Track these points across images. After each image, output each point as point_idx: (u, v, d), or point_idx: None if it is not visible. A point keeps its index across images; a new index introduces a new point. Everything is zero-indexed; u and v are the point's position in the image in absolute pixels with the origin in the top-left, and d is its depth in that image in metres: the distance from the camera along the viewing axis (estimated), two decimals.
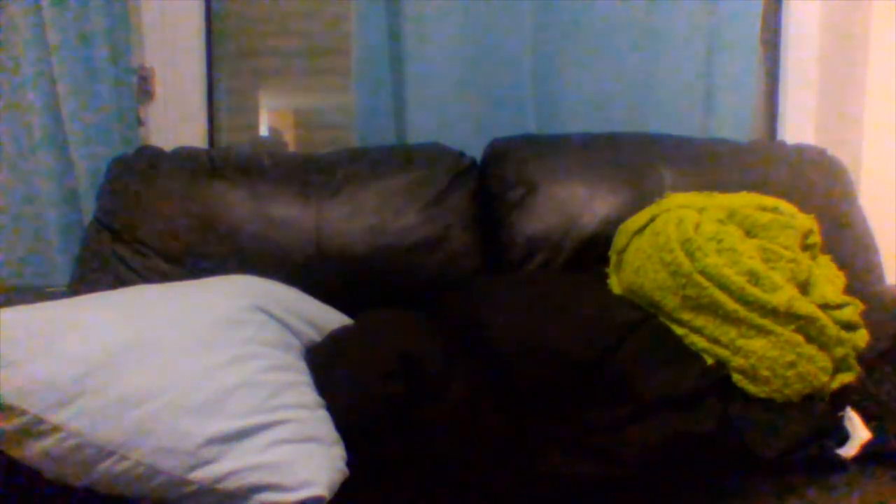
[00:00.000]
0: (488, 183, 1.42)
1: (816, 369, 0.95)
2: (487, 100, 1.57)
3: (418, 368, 0.92)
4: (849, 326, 1.00)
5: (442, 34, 1.53)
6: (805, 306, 0.96)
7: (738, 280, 0.97)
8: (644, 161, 1.38)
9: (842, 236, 1.37)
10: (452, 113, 1.56)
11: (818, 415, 0.94)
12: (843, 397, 0.98)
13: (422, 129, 1.56)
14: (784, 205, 1.13)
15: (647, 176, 1.36)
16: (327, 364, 0.96)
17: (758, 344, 0.95)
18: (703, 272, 0.99)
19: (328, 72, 1.75)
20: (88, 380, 0.75)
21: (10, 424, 0.72)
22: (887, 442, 0.93)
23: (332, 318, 1.12)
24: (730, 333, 0.97)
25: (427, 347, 0.97)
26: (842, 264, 1.14)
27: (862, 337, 1.01)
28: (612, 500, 0.85)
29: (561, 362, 0.93)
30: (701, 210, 1.10)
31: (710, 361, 0.97)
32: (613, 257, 1.20)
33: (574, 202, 1.34)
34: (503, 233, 1.37)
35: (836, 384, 0.98)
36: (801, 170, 1.42)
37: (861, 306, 1.03)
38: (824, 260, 1.14)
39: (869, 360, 1.02)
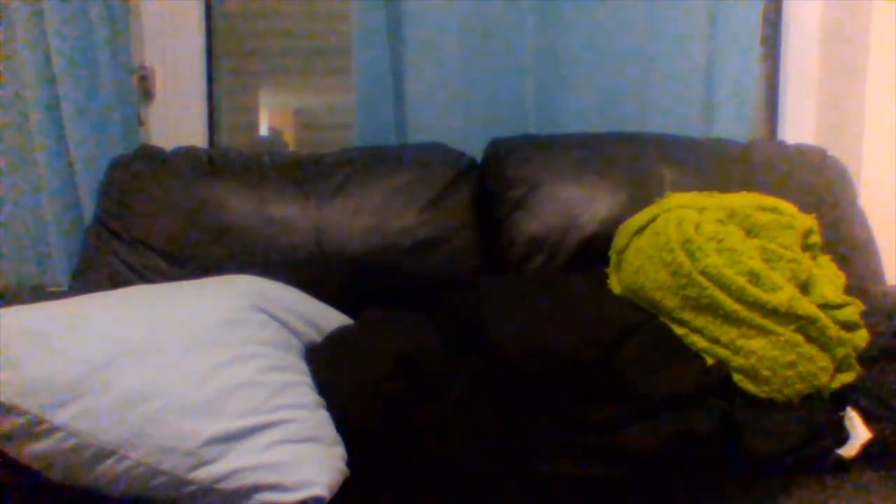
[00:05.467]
0: (488, 183, 1.42)
1: (816, 369, 0.95)
2: (487, 100, 1.57)
3: (418, 368, 0.92)
4: (849, 326, 1.00)
5: (442, 34, 1.53)
6: (805, 306, 0.96)
7: (739, 280, 0.97)
8: (644, 161, 1.38)
9: (842, 236, 1.37)
10: (452, 113, 1.56)
11: (818, 415, 0.94)
12: (843, 397, 0.98)
13: (422, 129, 1.56)
14: (784, 205, 1.13)
15: (647, 176, 1.36)
16: (327, 364, 0.96)
17: (758, 344, 0.95)
18: (703, 272, 0.99)
19: (328, 72, 1.75)
20: (88, 380, 0.75)
21: (10, 424, 0.72)
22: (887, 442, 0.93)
23: (332, 318, 1.12)
24: (730, 333, 0.97)
25: (427, 347, 0.97)
26: (842, 264, 1.14)
27: (862, 337, 1.01)
28: (612, 500, 0.85)
29: (561, 362, 0.93)
30: (701, 210, 1.10)
31: (710, 361, 0.97)
32: (613, 257, 1.20)
33: (574, 202, 1.34)
34: (503, 233, 1.37)
35: (836, 384, 0.98)
36: (801, 170, 1.42)
37: (861, 306, 1.03)
38: (824, 260, 1.14)
39: (869, 360, 1.02)
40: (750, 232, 1.08)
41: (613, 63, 1.58)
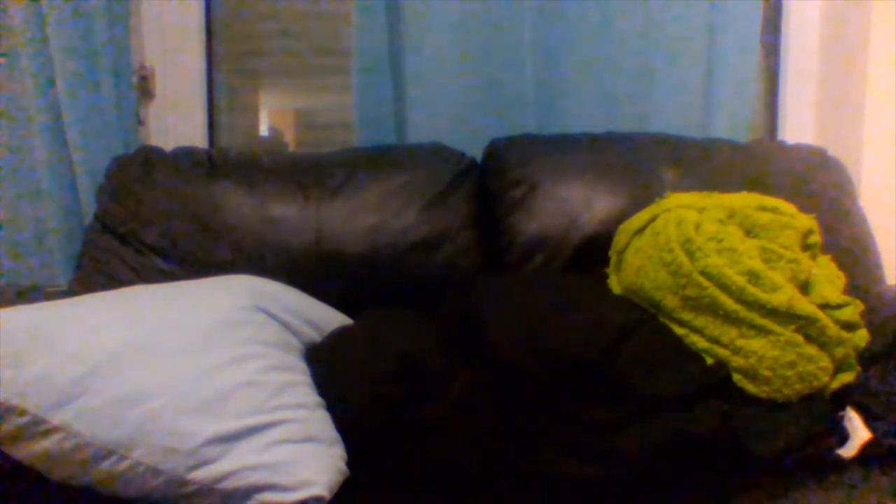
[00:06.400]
0: (488, 183, 1.42)
1: (816, 369, 0.95)
2: (487, 99, 1.57)
3: (418, 368, 0.92)
4: (849, 326, 1.00)
5: (442, 34, 1.53)
6: (805, 306, 0.96)
7: (739, 280, 0.97)
8: (644, 161, 1.38)
9: (842, 236, 1.37)
10: (452, 113, 1.56)
11: (818, 415, 0.94)
12: (843, 397, 0.98)
13: (422, 129, 1.56)
14: (784, 205, 1.13)
15: (647, 176, 1.36)
16: (327, 364, 0.96)
17: (758, 344, 0.95)
18: (703, 272, 0.99)
19: (328, 72, 1.74)
20: (89, 380, 0.75)
21: (10, 424, 0.72)
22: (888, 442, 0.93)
23: (332, 318, 1.12)
24: (730, 333, 0.97)
25: (427, 347, 0.97)
26: (842, 264, 1.14)
27: (862, 337, 1.01)
28: (612, 500, 0.85)
29: (561, 362, 0.93)
30: (701, 210, 1.10)
31: (710, 361, 0.97)
32: (613, 257, 1.20)
33: (574, 202, 1.34)
34: (503, 233, 1.37)
35: (836, 384, 0.98)
36: (801, 170, 1.42)
37: (861, 306, 1.03)
38: (824, 260, 1.14)
39: (869, 360, 1.02)
40: (750, 232, 1.08)
41: (613, 63, 1.58)
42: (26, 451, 0.74)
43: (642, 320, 1.01)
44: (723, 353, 0.97)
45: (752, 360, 0.95)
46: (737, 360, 0.96)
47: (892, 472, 0.89)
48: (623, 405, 0.90)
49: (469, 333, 1.01)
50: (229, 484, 0.75)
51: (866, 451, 0.91)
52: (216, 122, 1.75)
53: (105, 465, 0.74)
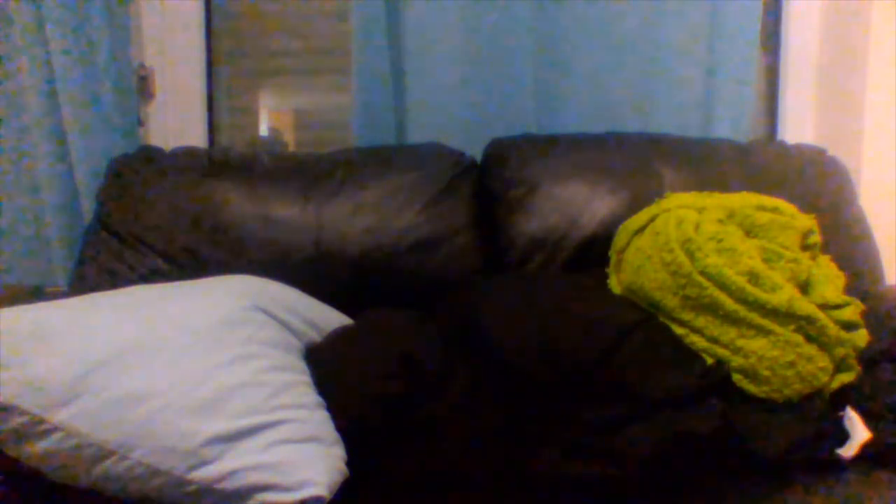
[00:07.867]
0: (488, 183, 1.42)
1: (816, 369, 0.95)
2: (487, 100, 1.57)
3: (418, 368, 0.92)
4: (849, 326, 1.00)
5: (442, 34, 1.53)
6: (805, 306, 0.96)
7: (738, 280, 0.97)
8: (644, 161, 1.38)
9: (842, 236, 1.37)
10: (452, 113, 1.56)
11: (818, 415, 0.94)
12: (843, 397, 0.98)
13: (422, 129, 1.56)
14: (784, 205, 1.13)
15: (647, 176, 1.36)
16: (327, 364, 0.96)
17: (758, 344, 0.95)
18: (703, 272, 0.99)
19: (328, 72, 1.75)
20: (89, 380, 0.75)
21: (10, 424, 0.72)
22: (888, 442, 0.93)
23: (332, 318, 1.12)
24: (730, 333, 0.97)
25: (427, 347, 0.97)
26: (842, 264, 1.14)
27: (862, 337, 1.01)
28: (612, 500, 0.85)
29: (560, 362, 0.93)
30: (701, 210, 1.10)
31: (710, 361, 0.97)
32: (613, 257, 1.20)
33: (574, 202, 1.34)
34: (503, 233, 1.37)
35: (836, 384, 0.98)
36: (801, 170, 1.42)
37: (861, 306, 1.03)
38: (824, 260, 1.14)
39: (869, 360, 1.02)
40: (750, 232, 1.08)
41: (613, 64, 1.58)
42: (26, 451, 0.74)
43: (642, 320, 1.01)
44: (723, 353, 0.97)
45: (752, 360, 0.95)
46: (737, 360, 0.96)
47: (892, 472, 0.89)
48: (623, 405, 0.90)
49: (469, 333, 1.01)
50: (229, 484, 0.75)
51: (866, 451, 0.91)
52: (216, 122, 1.75)
53: (105, 465, 0.74)
